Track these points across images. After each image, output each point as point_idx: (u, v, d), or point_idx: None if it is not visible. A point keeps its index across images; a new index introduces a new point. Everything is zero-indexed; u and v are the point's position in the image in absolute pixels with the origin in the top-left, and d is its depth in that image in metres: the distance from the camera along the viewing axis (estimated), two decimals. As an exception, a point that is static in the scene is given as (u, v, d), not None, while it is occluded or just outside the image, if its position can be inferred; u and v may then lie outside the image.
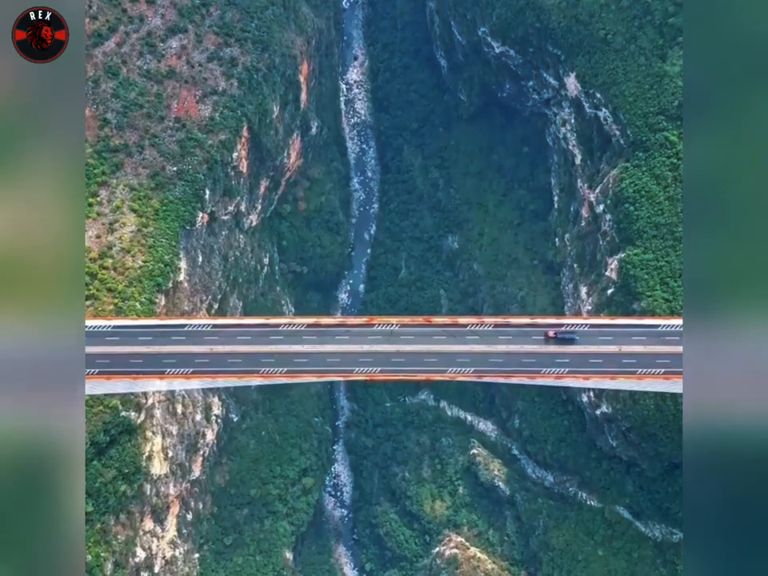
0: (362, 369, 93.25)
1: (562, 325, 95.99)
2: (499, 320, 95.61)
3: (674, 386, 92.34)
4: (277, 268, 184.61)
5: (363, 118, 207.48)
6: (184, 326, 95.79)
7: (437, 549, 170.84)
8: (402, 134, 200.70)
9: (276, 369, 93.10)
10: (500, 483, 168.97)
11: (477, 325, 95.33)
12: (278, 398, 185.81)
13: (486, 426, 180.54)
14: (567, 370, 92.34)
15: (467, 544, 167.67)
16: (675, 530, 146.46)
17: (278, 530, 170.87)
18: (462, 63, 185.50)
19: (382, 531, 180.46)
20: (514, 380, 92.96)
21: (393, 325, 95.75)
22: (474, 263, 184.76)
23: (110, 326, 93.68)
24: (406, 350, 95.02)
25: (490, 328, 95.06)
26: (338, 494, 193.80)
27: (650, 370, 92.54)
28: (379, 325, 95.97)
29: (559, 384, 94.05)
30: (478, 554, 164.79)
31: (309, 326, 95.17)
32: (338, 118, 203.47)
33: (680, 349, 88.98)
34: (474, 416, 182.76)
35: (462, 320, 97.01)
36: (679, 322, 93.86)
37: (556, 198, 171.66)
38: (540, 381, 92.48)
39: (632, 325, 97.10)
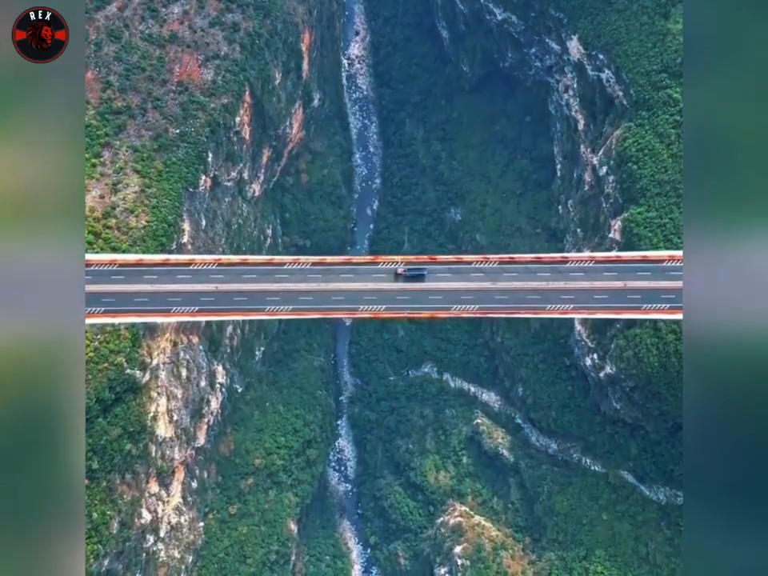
0: (366, 306, 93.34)
1: (566, 260, 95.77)
2: (504, 257, 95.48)
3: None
4: (279, 240, 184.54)
5: (365, 92, 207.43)
6: (190, 264, 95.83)
7: (441, 518, 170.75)
8: (403, 108, 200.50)
9: (281, 307, 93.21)
10: (504, 451, 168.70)
11: (482, 262, 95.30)
12: (282, 371, 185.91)
13: (489, 397, 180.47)
14: (572, 306, 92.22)
15: (471, 512, 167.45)
16: (679, 492, 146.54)
17: (282, 501, 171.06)
18: (463, 33, 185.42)
19: (386, 503, 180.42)
20: (519, 315, 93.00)
21: (398, 263, 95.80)
22: (476, 234, 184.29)
23: (115, 263, 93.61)
24: (411, 288, 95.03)
25: (494, 265, 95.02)
26: (342, 468, 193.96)
27: (654, 305, 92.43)
28: (384, 263, 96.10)
29: (565, 317, 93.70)
30: (483, 522, 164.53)
31: (314, 264, 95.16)
32: (339, 92, 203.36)
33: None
34: (478, 387, 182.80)
35: (467, 257, 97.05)
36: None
37: (559, 166, 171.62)
38: (545, 315, 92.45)
39: (636, 260, 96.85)
